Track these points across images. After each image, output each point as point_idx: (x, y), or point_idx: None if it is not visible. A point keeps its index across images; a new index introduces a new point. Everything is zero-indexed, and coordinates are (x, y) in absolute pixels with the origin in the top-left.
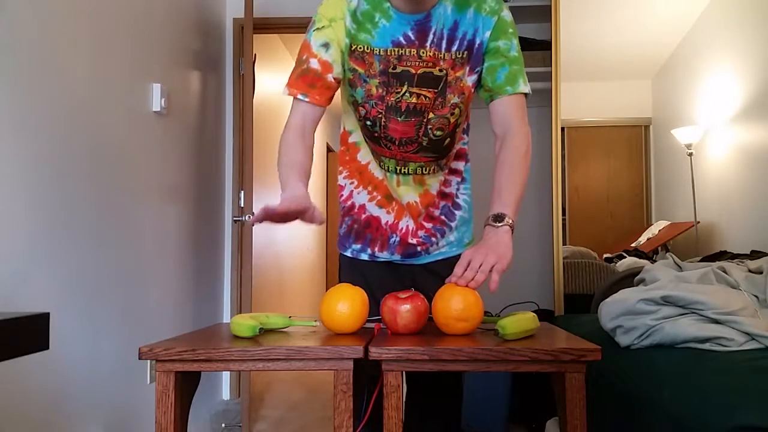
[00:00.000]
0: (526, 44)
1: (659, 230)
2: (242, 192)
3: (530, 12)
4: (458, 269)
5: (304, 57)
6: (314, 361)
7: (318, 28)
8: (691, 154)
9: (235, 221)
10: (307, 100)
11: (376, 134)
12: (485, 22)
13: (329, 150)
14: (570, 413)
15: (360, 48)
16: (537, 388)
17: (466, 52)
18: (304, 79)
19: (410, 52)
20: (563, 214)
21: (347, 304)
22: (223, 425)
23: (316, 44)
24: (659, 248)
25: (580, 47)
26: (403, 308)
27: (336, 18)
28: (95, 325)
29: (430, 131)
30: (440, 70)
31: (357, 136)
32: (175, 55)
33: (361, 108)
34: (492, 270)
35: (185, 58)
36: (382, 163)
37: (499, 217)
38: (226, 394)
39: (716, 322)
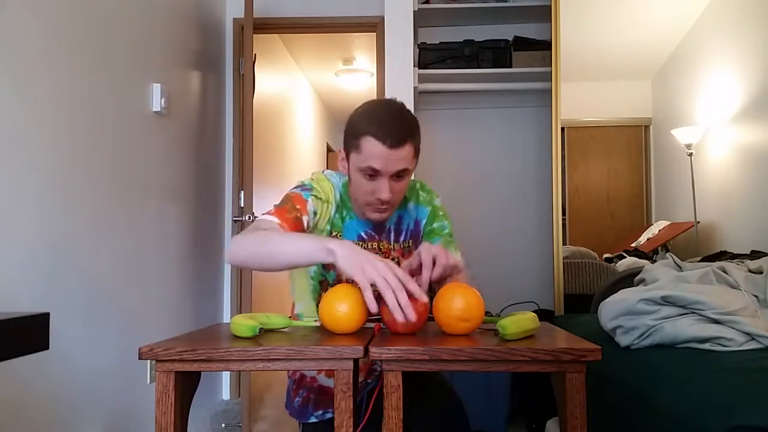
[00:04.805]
0: (526, 44)
1: (659, 230)
2: (242, 192)
3: (530, 12)
4: (426, 259)
5: (298, 207)
6: (314, 361)
7: (316, 196)
8: (691, 154)
9: (235, 221)
10: (279, 224)
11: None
12: (421, 211)
13: (329, 150)
14: (570, 413)
15: (337, 235)
16: (537, 388)
17: (411, 240)
18: (292, 222)
19: (371, 245)
20: (563, 214)
21: (347, 304)
22: (223, 425)
23: (311, 209)
24: (659, 248)
25: (580, 47)
26: None
27: (330, 201)
28: (95, 325)
29: None
30: (393, 259)
31: (300, 308)
32: (175, 55)
33: (328, 285)
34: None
35: (185, 58)
36: None
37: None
38: (226, 394)
39: (716, 322)
